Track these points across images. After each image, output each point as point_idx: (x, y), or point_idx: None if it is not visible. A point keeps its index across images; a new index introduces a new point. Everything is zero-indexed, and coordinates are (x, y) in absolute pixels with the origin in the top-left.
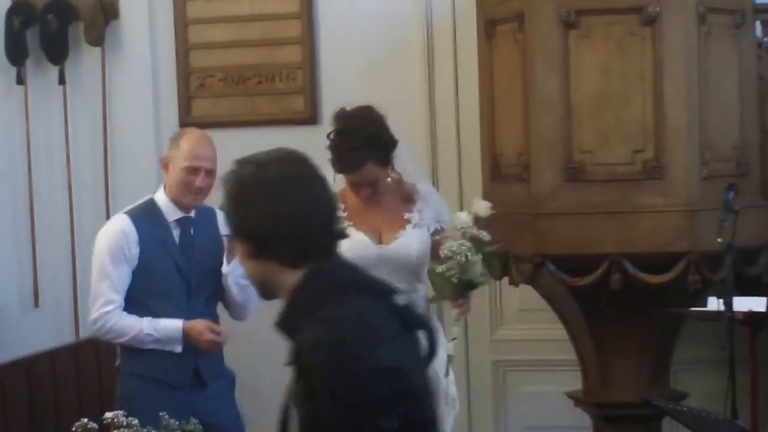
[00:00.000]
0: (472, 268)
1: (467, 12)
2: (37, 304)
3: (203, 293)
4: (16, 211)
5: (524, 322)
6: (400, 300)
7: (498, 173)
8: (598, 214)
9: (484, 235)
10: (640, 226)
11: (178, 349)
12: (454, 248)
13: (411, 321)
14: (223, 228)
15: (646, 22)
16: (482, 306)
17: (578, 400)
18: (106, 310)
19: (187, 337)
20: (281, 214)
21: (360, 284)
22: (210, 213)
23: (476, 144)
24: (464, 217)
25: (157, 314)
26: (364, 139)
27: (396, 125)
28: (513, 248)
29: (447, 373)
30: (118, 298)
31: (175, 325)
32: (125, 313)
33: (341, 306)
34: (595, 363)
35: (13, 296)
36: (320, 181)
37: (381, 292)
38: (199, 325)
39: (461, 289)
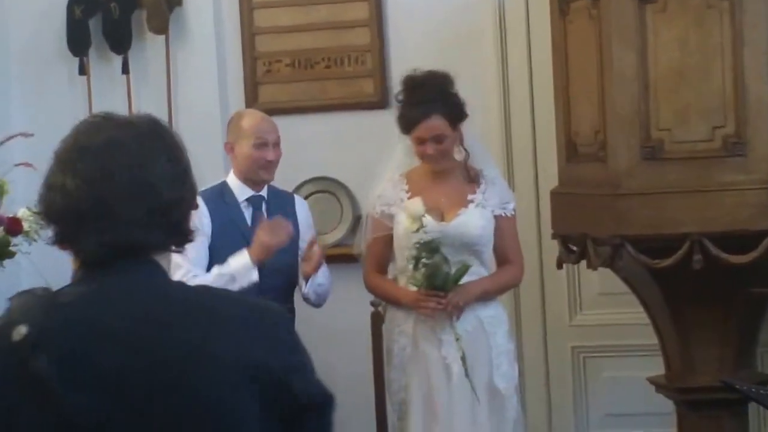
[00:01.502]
0: (438, 270)
1: None
2: None
3: (277, 272)
4: None
5: (603, 306)
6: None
7: (574, 153)
8: (678, 193)
9: (432, 240)
10: (721, 204)
11: (255, 276)
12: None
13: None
14: (302, 214)
15: None
16: (560, 291)
17: (660, 385)
18: (184, 279)
19: (259, 251)
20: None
21: (12, 310)
22: (285, 197)
23: (551, 124)
24: (406, 223)
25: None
26: (429, 91)
27: (468, 106)
28: (591, 230)
29: (467, 374)
30: (192, 268)
31: (239, 255)
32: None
33: None
34: (677, 347)
35: None
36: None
37: (8, 323)
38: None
39: (442, 290)
